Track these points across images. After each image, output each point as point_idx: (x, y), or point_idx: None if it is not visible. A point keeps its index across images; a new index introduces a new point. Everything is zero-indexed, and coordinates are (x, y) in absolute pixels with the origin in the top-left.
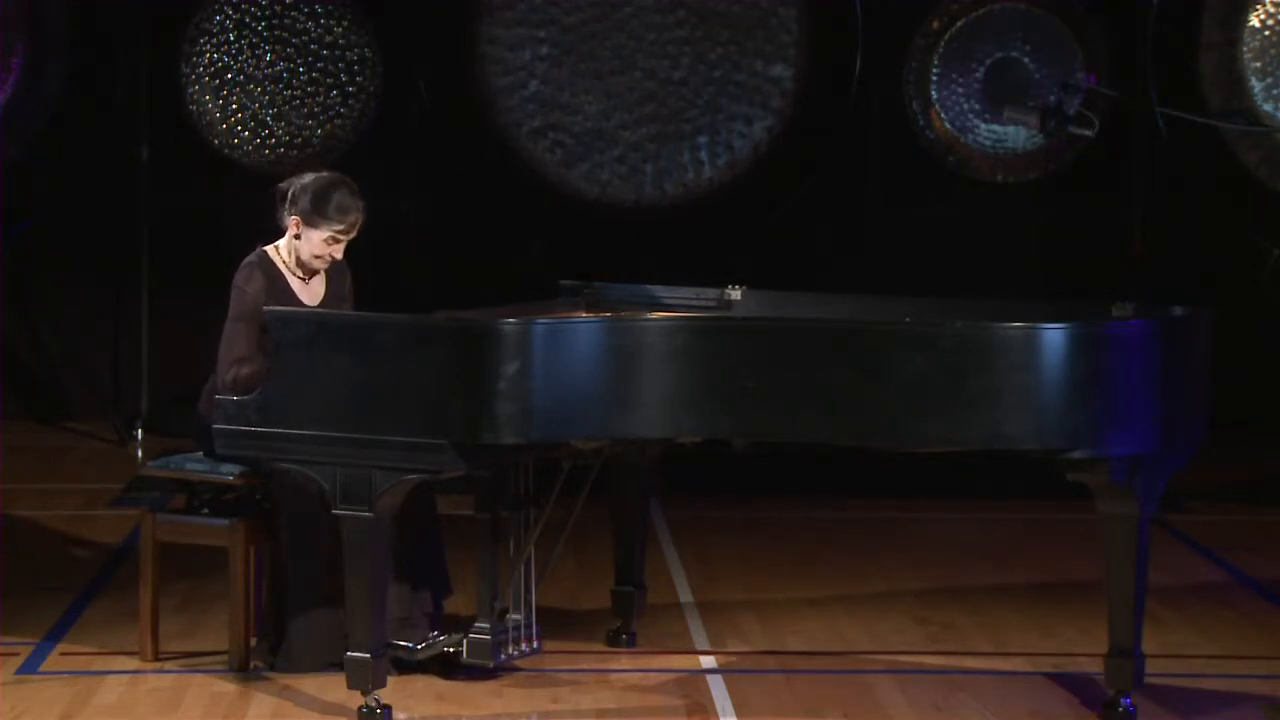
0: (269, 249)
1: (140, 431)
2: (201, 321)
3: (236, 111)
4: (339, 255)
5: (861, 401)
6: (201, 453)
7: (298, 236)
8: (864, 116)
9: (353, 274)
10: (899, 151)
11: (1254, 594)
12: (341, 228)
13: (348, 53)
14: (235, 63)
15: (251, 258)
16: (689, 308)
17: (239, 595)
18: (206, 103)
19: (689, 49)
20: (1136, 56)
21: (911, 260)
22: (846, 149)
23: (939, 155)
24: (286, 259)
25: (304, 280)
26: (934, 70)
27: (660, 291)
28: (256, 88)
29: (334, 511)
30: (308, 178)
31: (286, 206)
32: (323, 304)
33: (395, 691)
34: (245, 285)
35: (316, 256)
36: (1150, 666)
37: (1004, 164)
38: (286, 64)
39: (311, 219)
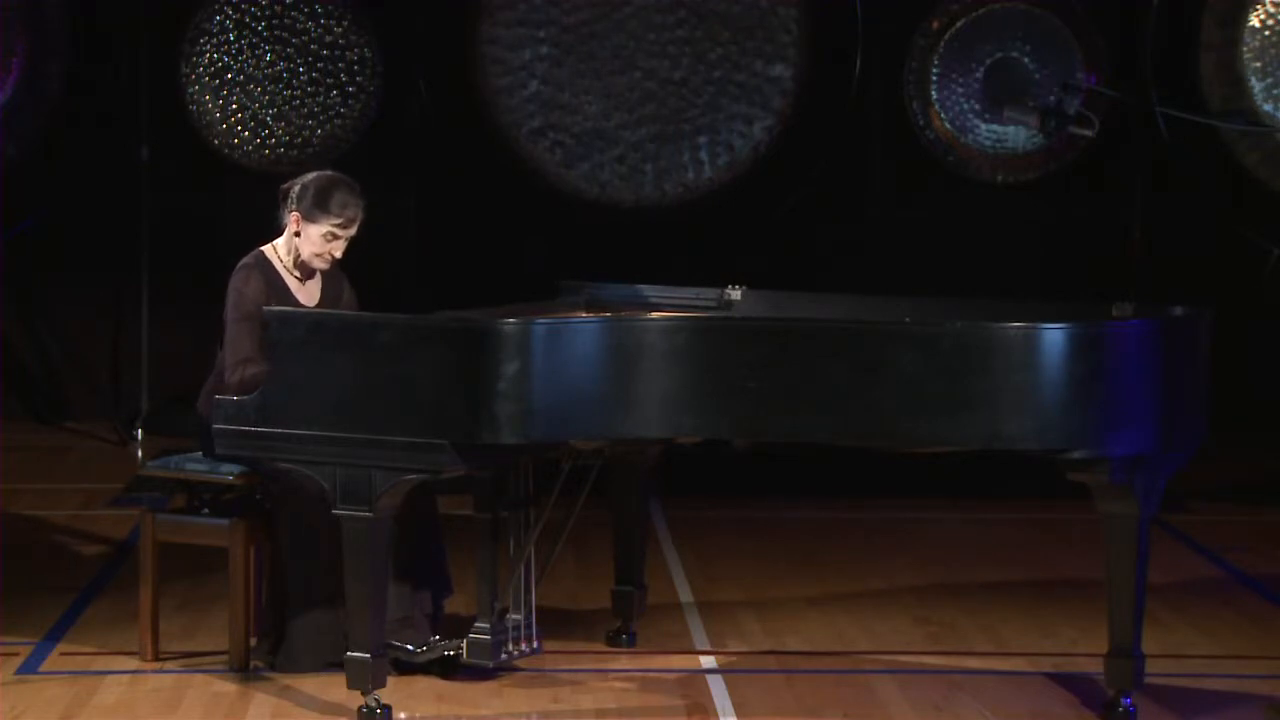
0: (266, 249)
1: (140, 431)
2: (201, 321)
3: (236, 111)
4: (338, 254)
5: (861, 401)
6: (201, 453)
7: (298, 234)
8: (864, 116)
9: (352, 276)
10: (899, 152)
11: (1254, 594)
12: (340, 222)
13: (348, 53)
14: (235, 63)
15: (248, 259)
16: (689, 308)
17: (239, 595)
18: (206, 103)
19: (689, 49)
20: (1136, 56)
21: (911, 260)
22: (846, 149)
23: (939, 155)
24: (285, 258)
25: (301, 281)
26: (934, 70)
27: (660, 292)
28: (256, 88)
29: (334, 511)
30: (309, 176)
31: (288, 204)
32: (319, 306)
33: (395, 691)
34: (243, 287)
35: (316, 255)
36: (1150, 666)
37: (1004, 164)
38: (286, 64)
39: (311, 214)
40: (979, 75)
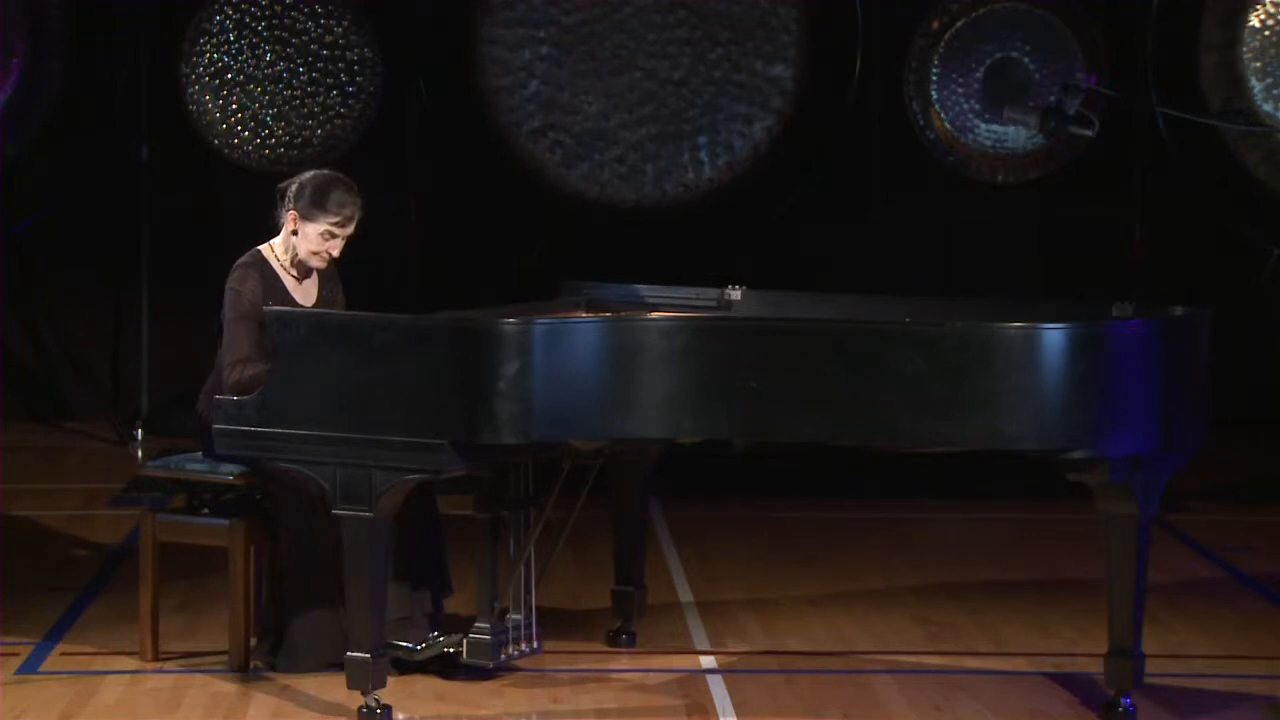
0: (263, 248)
1: (140, 431)
2: (201, 321)
3: (236, 111)
4: (336, 252)
5: (861, 401)
6: (201, 453)
7: (295, 233)
8: (864, 116)
9: (352, 276)
10: (899, 152)
11: (1254, 594)
12: (337, 220)
13: (348, 53)
14: (235, 63)
15: (245, 259)
16: (689, 308)
17: (239, 595)
18: (206, 103)
19: (689, 49)
20: (1136, 56)
21: (911, 260)
22: (847, 149)
23: (939, 155)
24: (282, 257)
25: (298, 280)
26: (934, 70)
27: (660, 292)
28: (256, 88)
29: (334, 511)
30: (306, 175)
31: (285, 203)
32: (316, 305)
33: (395, 691)
34: (240, 286)
35: (314, 253)
36: (1150, 666)
37: (1004, 164)
38: (286, 64)
39: (309, 213)
40: (979, 75)
